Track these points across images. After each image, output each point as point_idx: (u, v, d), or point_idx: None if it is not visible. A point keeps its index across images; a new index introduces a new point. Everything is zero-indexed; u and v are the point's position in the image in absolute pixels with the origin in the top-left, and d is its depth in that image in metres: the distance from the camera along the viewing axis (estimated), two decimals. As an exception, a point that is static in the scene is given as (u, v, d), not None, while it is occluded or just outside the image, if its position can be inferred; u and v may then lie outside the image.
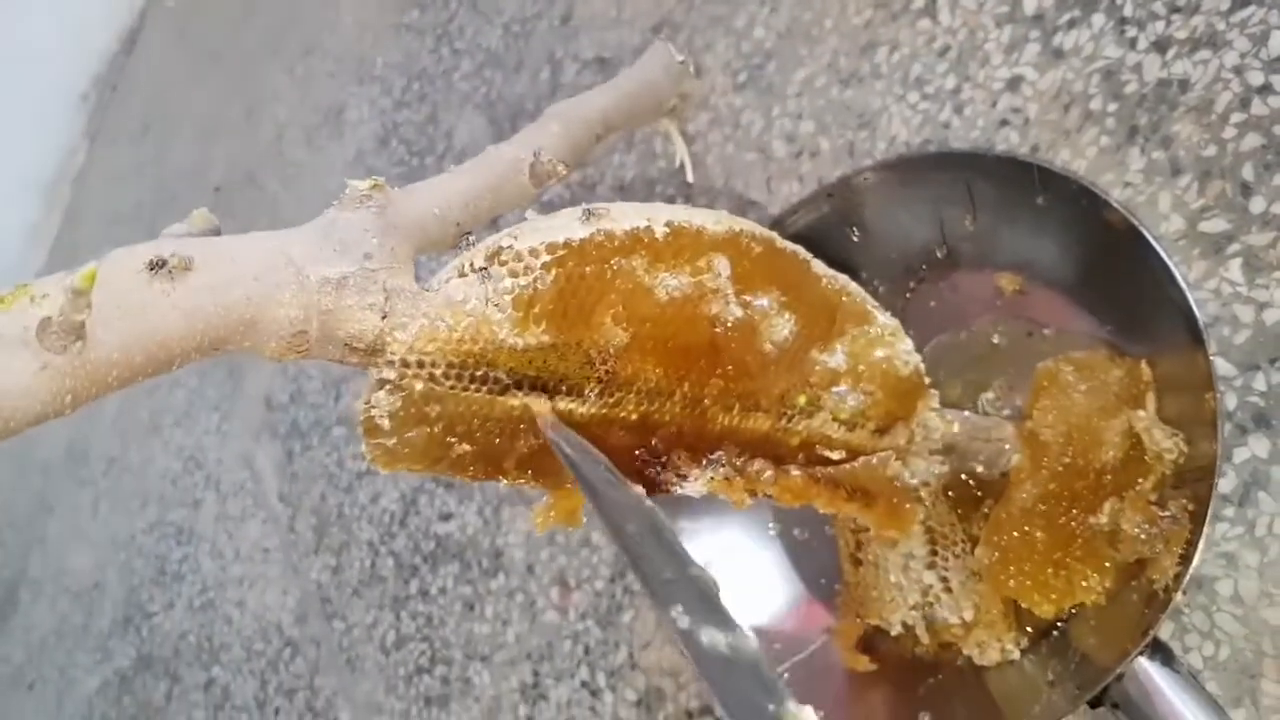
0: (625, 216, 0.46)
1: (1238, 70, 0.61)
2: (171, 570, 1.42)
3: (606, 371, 0.47)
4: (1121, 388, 0.58)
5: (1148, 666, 0.51)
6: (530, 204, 0.54)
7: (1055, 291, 0.63)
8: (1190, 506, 0.53)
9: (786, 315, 0.51)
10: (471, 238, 0.48)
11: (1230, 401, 0.57)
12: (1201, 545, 0.51)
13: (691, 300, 0.48)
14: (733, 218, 0.50)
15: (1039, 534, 0.58)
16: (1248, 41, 0.61)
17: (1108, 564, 0.56)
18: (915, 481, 0.61)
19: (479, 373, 0.44)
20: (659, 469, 0.50)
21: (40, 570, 1.74)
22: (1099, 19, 0.67)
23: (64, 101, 2.35)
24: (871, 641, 0.66)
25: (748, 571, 0.72)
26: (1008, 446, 0.61)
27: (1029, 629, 0.60)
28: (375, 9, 1.50)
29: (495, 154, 0.54)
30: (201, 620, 1.33)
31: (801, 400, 0.53)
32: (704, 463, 0.51)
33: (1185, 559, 0.52)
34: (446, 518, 1.04)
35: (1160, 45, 0.64)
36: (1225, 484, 0.57)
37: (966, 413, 0.64)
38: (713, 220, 0.49)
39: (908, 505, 0.59)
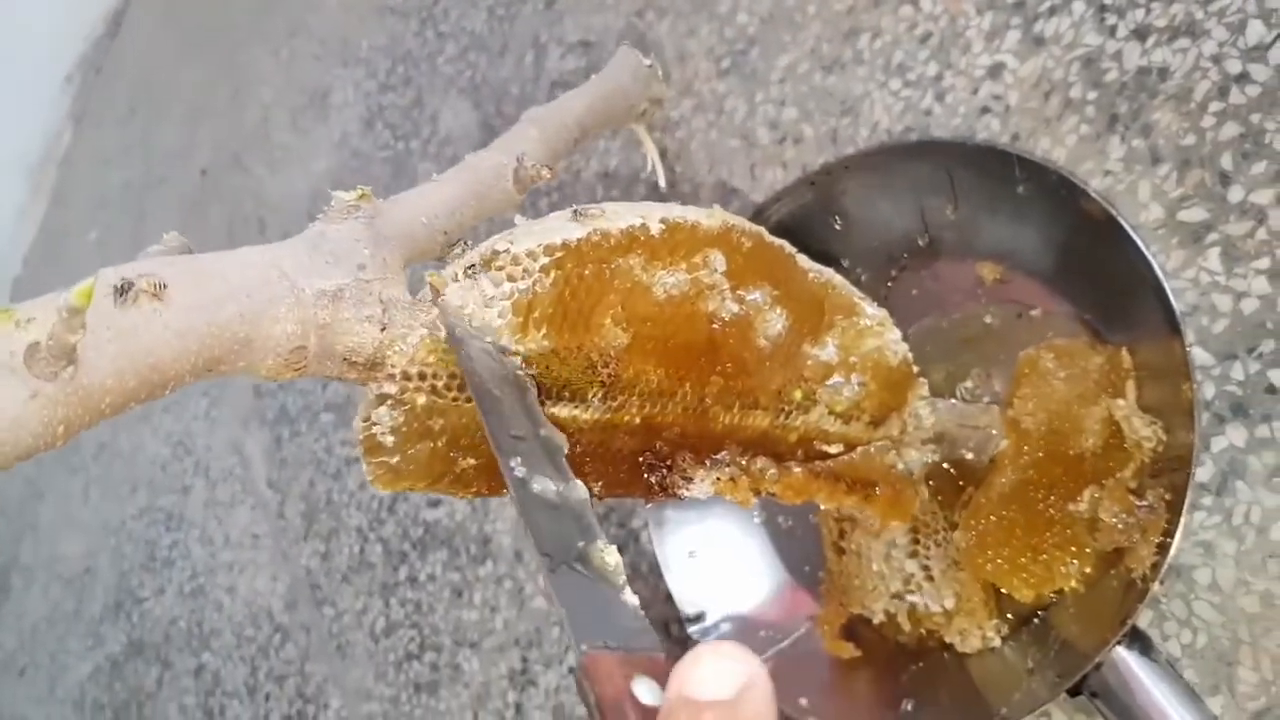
0: (619, 216, 0.46)
1: (1216, 59, 0.61)
2: (162, 556, 1.42)
3: (609, 374, 0.46)
4: (1102, 375, 0.59)
5: (1126, 655, 0.51)
6: (514, 209, 0.54)
7: (1036, 280, 0.63)
8: (1168, 496, 0.54)
9: (779, 310, 0.51)
10: (468, 243, 0.48)
11: (1208, 391, 0.58)
12: (1179, 534, 0.52)
13: (689, 297, 0.47)
14: (724, 212, 0.50)
15: (1017, 519, 0.59)
16: (1226, 30, 0.61)
17: (1087, 550, 0.56)
18: (911, 471, 0.62)
19: None
20: (665, 472, 0.49)
21: (32, 556, 1.74)
22: (1079, 6, 0.67)
23: (49, 84, 2.33)
24: (854, 629, 0.67)
25: (733, 560, 0.73)
26: (995, 433, 0.62)
27: (1009, 616, 0.61)
28: (360, -9, 1.49)
29: (477, 161, 0.54)
30: (192, 606, 1.33)
31: (798, 395, 0.53)
32: (708, 464, 0.51)
33: (1163, 548, 0.52)
34: (435, 504, 1.04)
35: (1140, 33, 0.64)
36: (1203, 473, 0.57)
37: (954, 401, 0.64)
38: (705, 215, 0.49)
39: (908, 493, 0.60)
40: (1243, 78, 0.60)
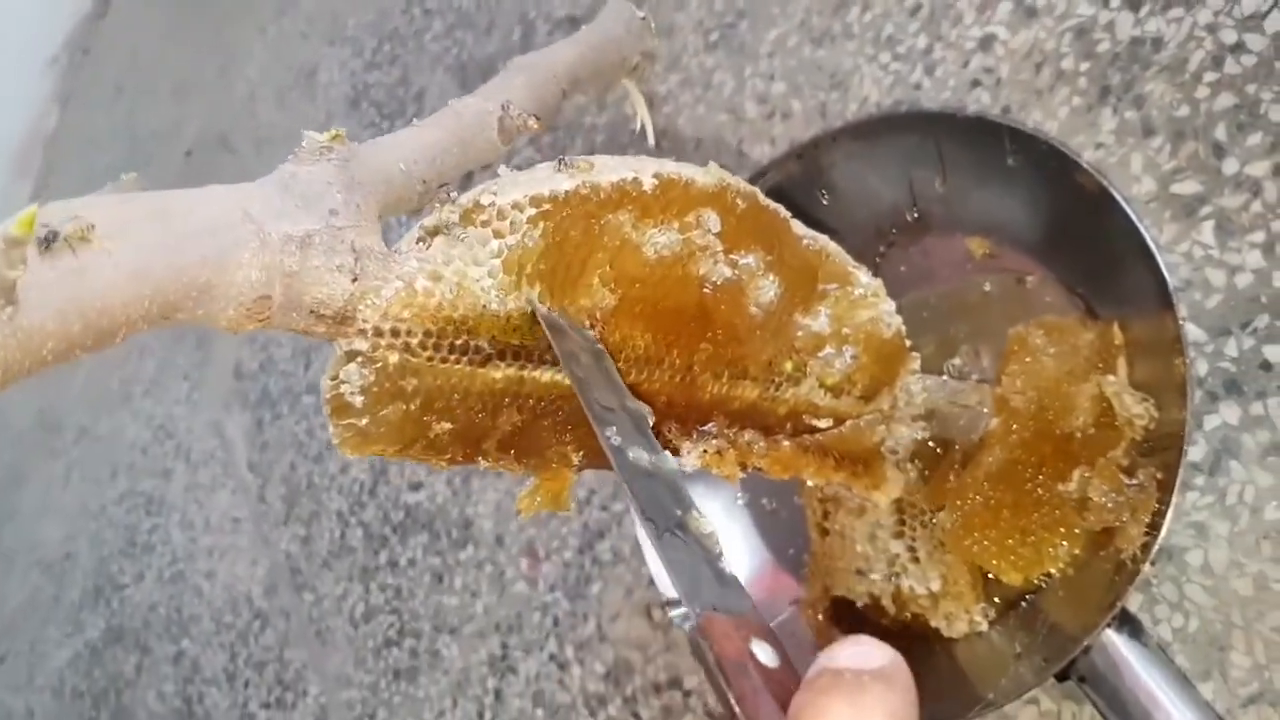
0: (610, 169, 0.43)
1: (1211, 28, 0.59)
2: (141, 541, 1.40)
3: (595, 338, 0.44)
4: (1093, 351, 0.57)
5: (1115, 639, 0.50)
6: (499, 160, 0.51)
7: (1026, 254, 0.61)
8: (1159, 475, 0.52)
9: (771, 276, 0.49)
10: (453, 192, 0.45)
11: (1201, 367, 0.56)
12: (1170, 515, 0.50)
13: (681, 259, 0.45)
14: (721, 169, 0.47)
15: (1005, 500, 0.57)
16: (1221, -2, 0.59)
17: (1076, 531, 0.55)
18: (899, 447, 0.60)
19: (459, 342, 0.41)
20: None
21: (13, 542, 1.72)
22: (1073, -25, 0.66)
23: (35, 65, 2.31)
24: (839, 612, 0.65)
25: (715, 542, 0.71)
26: (985, 410, 0.60)
27: (997, 600, 0.59)
28: (346, -31, 1.47)
29: (461, 107, 0.50)
30: (171, 592, 1.31)
31: (788, 366, 0.51)
32: (695, 435, 0.49)
33: (1154, 528, 0.51)
34: (416, 487, 1.02)
35: (1133, 3, 0.63)
36: (1196, 452, 0.55)
37: (944, 377, 0.63)
38: (701, 172, 0.46)
39: (895, 469, 0.58)
40: (1238, 47, 0.58)
